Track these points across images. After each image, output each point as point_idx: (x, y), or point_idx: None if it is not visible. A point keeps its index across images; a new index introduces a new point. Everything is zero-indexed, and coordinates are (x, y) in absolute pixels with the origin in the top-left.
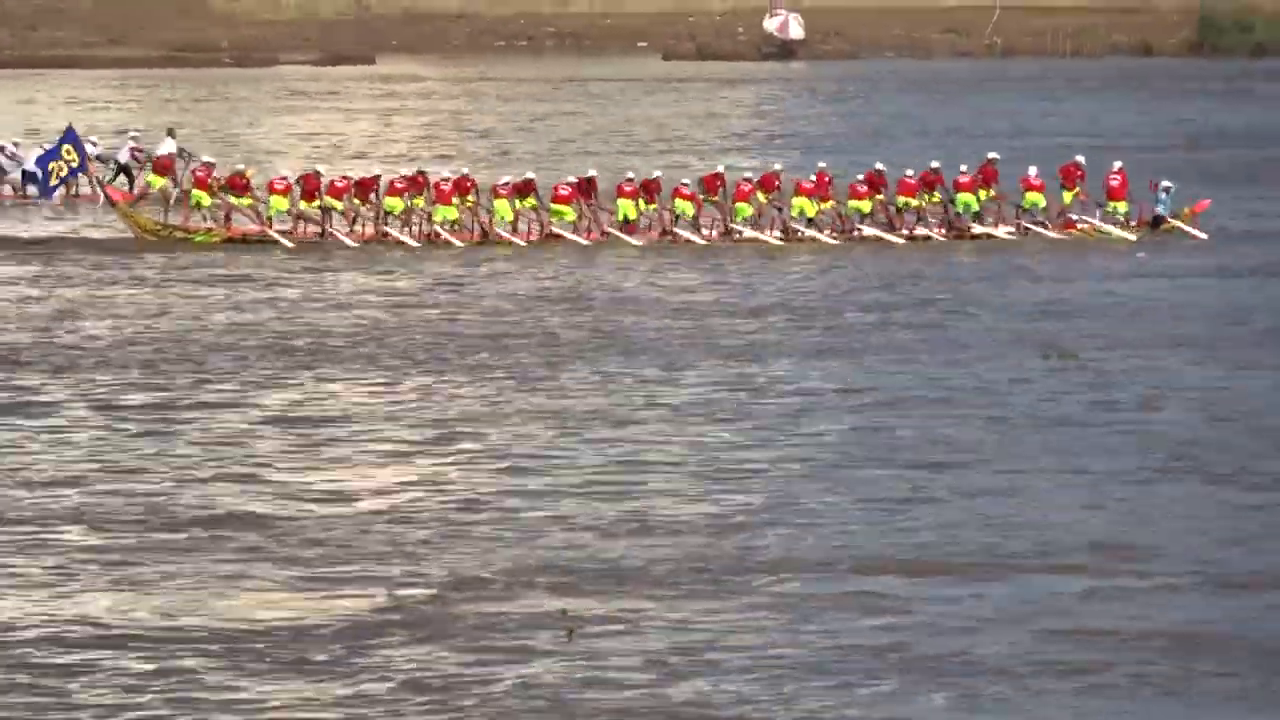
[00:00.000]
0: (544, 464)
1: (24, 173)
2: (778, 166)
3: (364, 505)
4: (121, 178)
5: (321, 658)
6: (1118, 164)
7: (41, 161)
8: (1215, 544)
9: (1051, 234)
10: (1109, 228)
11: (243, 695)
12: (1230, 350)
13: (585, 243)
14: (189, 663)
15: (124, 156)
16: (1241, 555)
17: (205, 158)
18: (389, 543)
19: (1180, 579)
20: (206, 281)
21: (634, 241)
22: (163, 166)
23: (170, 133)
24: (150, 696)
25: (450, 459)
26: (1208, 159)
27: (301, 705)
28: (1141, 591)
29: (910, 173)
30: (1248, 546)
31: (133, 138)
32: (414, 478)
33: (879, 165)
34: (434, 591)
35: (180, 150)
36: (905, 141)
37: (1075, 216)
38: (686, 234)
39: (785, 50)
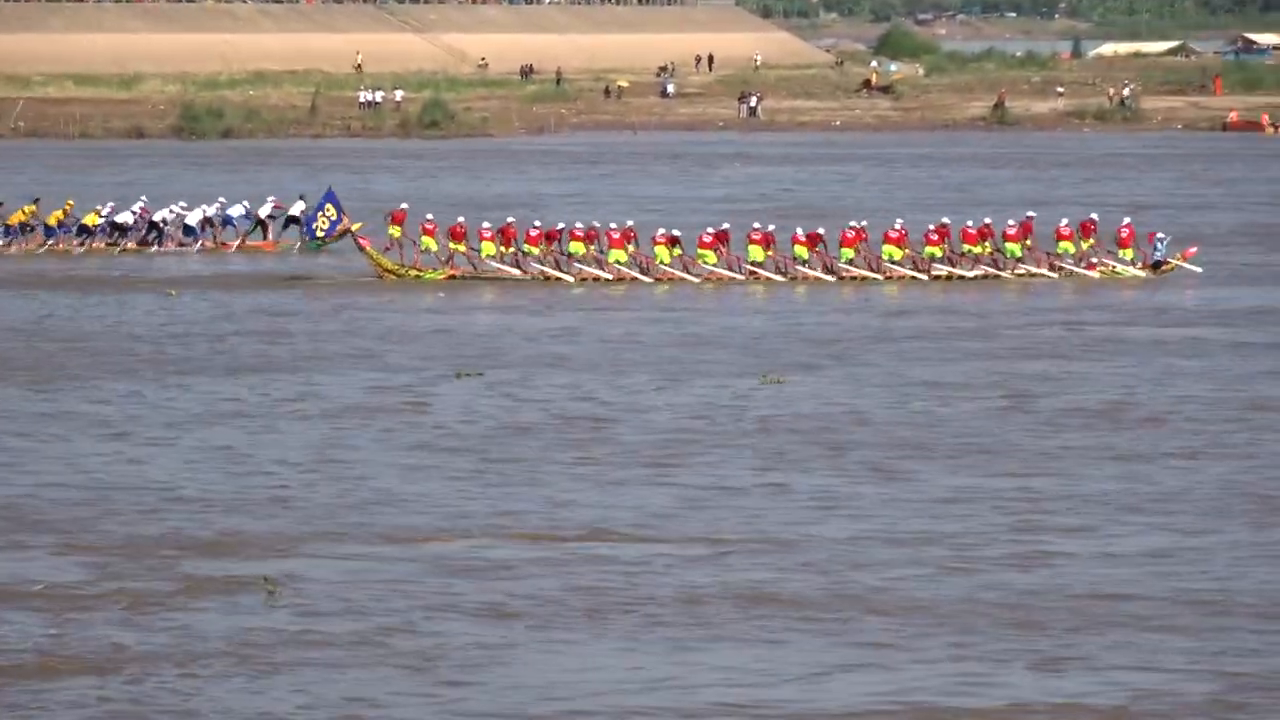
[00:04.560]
0: None
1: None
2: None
3: None
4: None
5: None
6: (1127, 219)
7: (309, 217)
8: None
9: (1083, 271)
10: (1124, 267)
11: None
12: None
13: (739, 277)
14: None
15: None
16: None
17: (429, 216)
18: None
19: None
20: None
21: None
22: (395, 219)
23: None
24: None
25: None
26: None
27: None
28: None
29: (970, 224)
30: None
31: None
32: None
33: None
34: None
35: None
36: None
37: (1096, 259)
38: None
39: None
